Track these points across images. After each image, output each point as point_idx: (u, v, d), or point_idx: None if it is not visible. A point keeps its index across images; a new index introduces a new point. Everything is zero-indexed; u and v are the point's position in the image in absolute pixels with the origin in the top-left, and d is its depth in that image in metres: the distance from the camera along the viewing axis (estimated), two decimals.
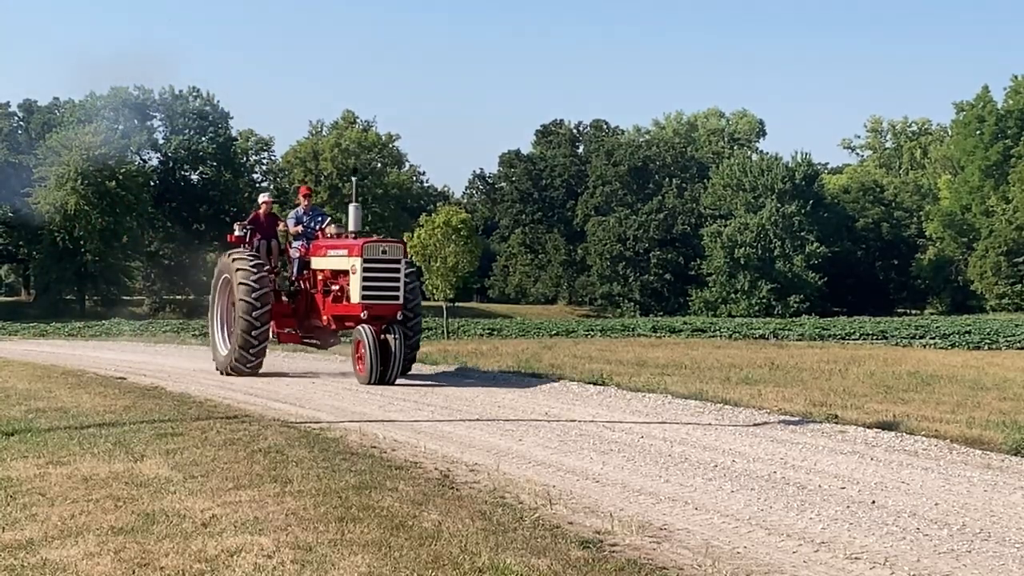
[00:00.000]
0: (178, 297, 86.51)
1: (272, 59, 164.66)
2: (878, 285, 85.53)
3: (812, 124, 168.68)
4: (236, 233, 18.55)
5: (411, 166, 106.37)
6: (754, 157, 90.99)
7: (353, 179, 20.34)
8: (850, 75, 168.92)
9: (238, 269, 17.66)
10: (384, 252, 16.84)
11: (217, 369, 18.38)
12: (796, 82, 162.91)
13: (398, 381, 16.86)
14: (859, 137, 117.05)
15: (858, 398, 15.36)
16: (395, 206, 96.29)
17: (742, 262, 77.70)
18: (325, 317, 17.76)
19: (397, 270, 16.83)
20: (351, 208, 18.10)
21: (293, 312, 18.50)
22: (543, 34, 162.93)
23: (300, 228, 18.62)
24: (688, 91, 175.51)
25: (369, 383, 16.16)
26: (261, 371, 17.97)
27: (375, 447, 10.50)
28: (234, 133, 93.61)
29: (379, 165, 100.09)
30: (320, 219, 18.88)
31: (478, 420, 12.89)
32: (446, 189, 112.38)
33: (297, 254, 18.38)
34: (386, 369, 16.33)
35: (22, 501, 7.92)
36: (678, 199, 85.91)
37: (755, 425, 12.52)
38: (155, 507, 7.61)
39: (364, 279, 16.59)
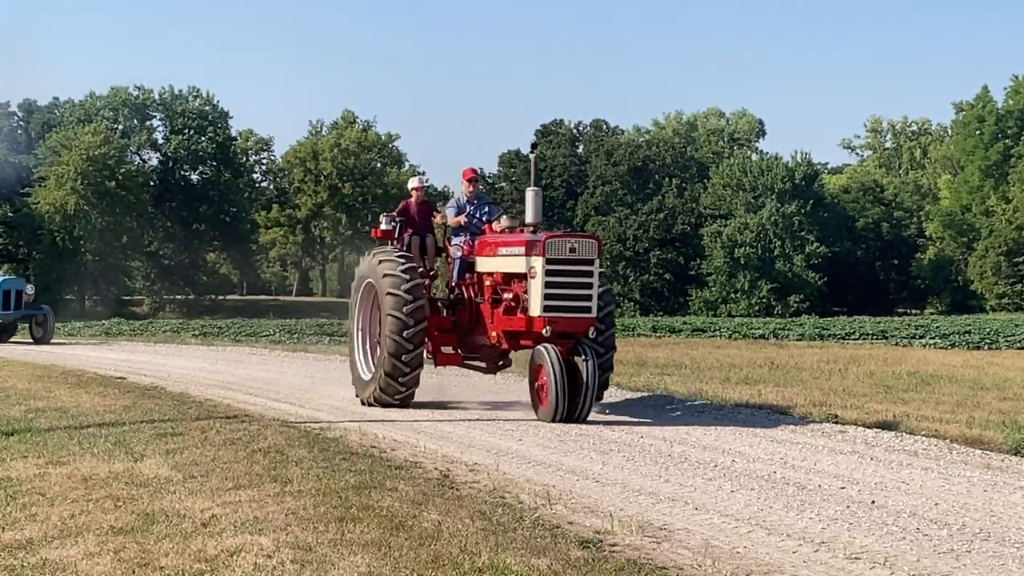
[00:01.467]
0: (178, 297, 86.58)
1: (272, 59, 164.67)
2: (878, 285, 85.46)
3: (812, 124, 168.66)
4: (382, 226, 14.81)
5: (411, 166, 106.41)
6: (754, 157, 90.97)
7: (531, 155, 16.45)
8: (850, 75, 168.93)
9: (385, 275, 13.74)
10: (573, 250, 12.96)
11: (358, 397, 14.28)
12: (796, 82, 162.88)
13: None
14: (859, 137, 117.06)
15: (858, 398, 15.36)
16: (395, 206, 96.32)
17: (742, 262, 77.66)
18: (494, 334, 13.66)
19: (589, 273, 12.92)
20: (529, 194, 14.21)
21: (453, 327, 14.53)
22: (544, 34, 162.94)
23: (463, 220, 14.85)
24: (688, 91, 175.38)
25: (554, 420, 12.27)
26: (416, 402, 14.05)
27: (375, 447, 10.50)
28: (234, 133, 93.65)
29: (379, 165, 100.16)
30: (488, 209, 15.21)
31: (478, 420, 12.90)
32: (446, 189, 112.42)
33: (459, 253, 14.51)
34: (576, 403, 12.41)
35: (22, 501, 7.92)
36: (678, 199, 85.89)
37: (755, 425, 12.52)
38: (155, 507, 7.61)
39: (547, 285, 12.75)
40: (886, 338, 37.29)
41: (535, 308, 12.82)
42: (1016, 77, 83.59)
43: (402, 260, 13.81)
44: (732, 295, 78.61)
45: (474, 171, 15.74)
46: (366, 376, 14.32)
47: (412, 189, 15.76)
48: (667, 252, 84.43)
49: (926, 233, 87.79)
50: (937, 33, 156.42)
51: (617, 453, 10.47)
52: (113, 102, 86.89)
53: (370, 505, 7.64)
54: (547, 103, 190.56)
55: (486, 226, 14.75)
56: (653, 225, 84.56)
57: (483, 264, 14.17)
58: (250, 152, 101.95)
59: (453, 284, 14.71)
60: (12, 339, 29.61)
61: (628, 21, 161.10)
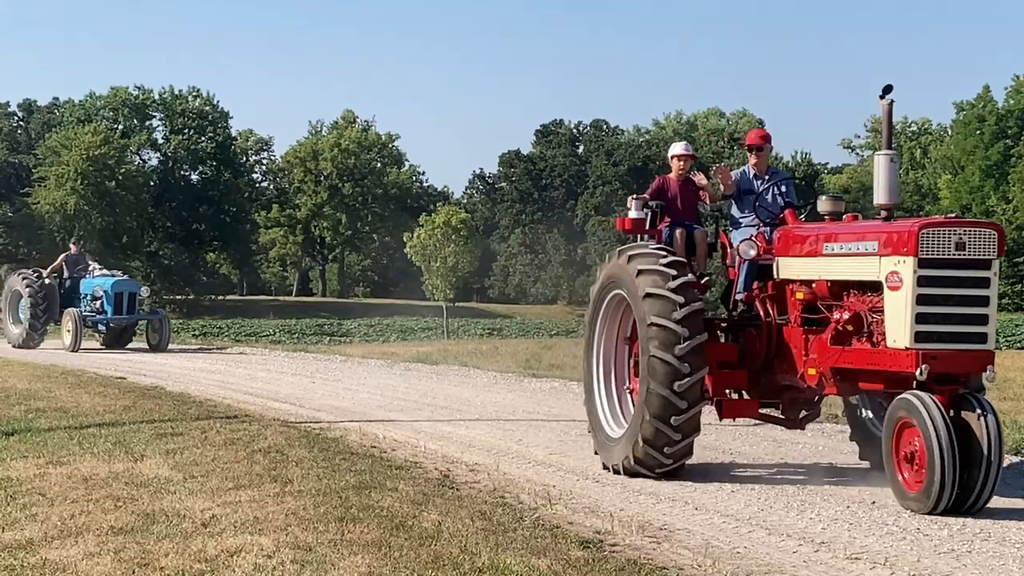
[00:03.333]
0: (178, 297, 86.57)
1: (272, 59, 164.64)
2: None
3: (812, 124, 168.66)
4: (631, 214, 10.41)
5: (411, 166, 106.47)
6: None
7: (882, 99, 9.27)
8: (850, 75, 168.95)
9: (642, 272, 9.41)
10: (961, 245, 8.52)
11: (605, 464, 9.75)
12: (796, 82, 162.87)
13: (397, 381, 16.34)
14: (859, 137, 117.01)
15: None
16: (395, 206, 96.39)
17: None
18: (812, 371, 9.19)
19: (986, 281, 8.65)
20: (881, 161, 9.53)
21: (740, 359, 9.89)
22: (544, 34, 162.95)
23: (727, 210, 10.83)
24: (688, 91, 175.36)
25: (933, 511, 7.96)
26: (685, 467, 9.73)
27: (375, 447, 10.50)
28: (234, 133, 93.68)
29: (379, 165, 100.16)
30: (785, 188, 10.65)
31: (478, 420, 12.90)
32: (446, 189, 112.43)
33: (751, 252, 9.88)
34: (970, 485, 8.05)
35: (22, 501, 7.92)
36: None
37: (755, 425, 12.52)
38: (155, 507, 7.61)
39: (921, 300, 8.43)
40: None
41: (900, 336, 8.44)
42: (1017, 77, 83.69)
43: (670, 268, 9.45)
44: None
45: (764, 134, 10.83)
46: (613, 431, 9.88)
47: (673, 158, 10.89)
48: None
49: None
50: (937, 33, 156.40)
51: None
52: (113, 102, 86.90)
53: (370, 505, 7.64)
54: (547, 103, 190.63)
55: (786, 212, 10.29)
56: None
57: (790, 267, 9.67)
58: (250, 152, 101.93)
59: (739, 297, 9.99)
60: (128, 346, 26.80)
61: (628, 21, 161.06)
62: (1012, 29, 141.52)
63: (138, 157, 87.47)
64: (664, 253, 9.61)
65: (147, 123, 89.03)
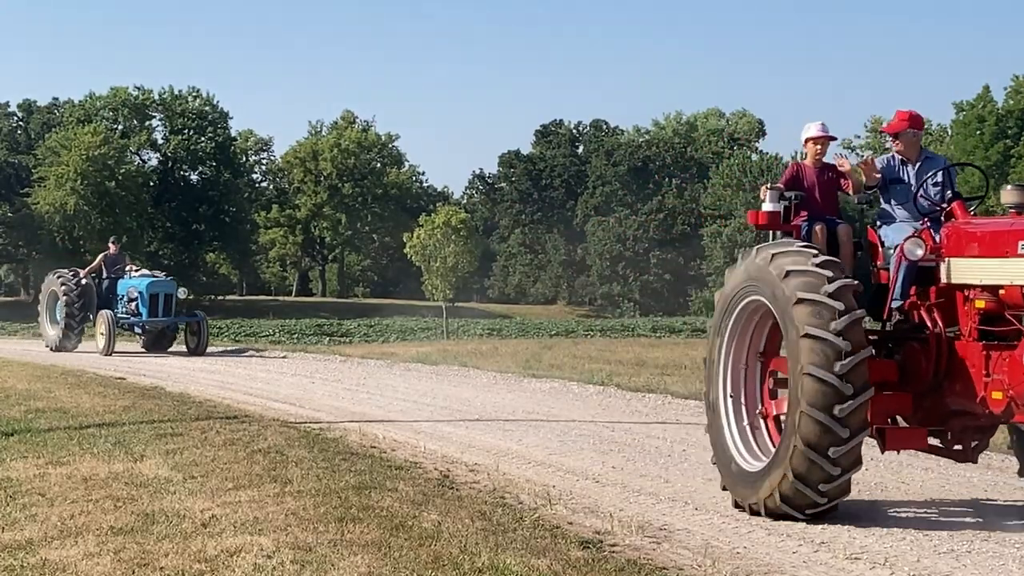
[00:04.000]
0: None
1: (272, 59, 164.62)
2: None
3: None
4: (766, 207, 8.82)
5: (411, 166, 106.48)
6: (754, 157, 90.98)
7: None
8: (850, 75, 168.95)
9: (800, 300, 7.67)
10: None
11: (738, 503, 8.15)
12: (796, 82, 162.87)
13: (396, 381, 16.28)
14: (859, 137, 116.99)
15: None
16: (395, 206, 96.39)
17: None
18: (999, 395, 7.58)
19: None
20: None
21: (901, 377, 8.19)
22: (543, 34, 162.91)
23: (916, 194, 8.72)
24: (688, 91, 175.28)
25: None
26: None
27: (375, 447, 10.50)
28: (234, 133, 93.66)
29: (379, 165, 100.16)
30: (943, 177, 8.85)
31: (478, 420, 12.90)
32: (446, 189, 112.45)
33: (918, 251, 8.17)
34: None
35: (22, 501, 7.92)
36: (678, 199, 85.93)
37: None
38: (155, 507, 7.61)
39: None
40: None
41: None
42: (1017, 77, 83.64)
43: (815, 251, 8.01)
44: None
45: (909, 115, 9.04)
46: (749, 464, 8.23)
47: (808, 142, 9.28)
48: (667, 252, 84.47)
49: None
50: (937, 33, 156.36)
51: (617, 453, 10.47)
52: (113, 102, 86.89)
53: (370, 505, 7.64)
54: (547, 103, 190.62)
55: (955, 204, 8.51)
56: (653, 225, 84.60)
57: (965, 270, 7.98)
58: (250, 152, 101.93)
59: (895, 304, 8.24)
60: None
61: (628, 21, 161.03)
62: (1012, 29, 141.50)
63: (138, 157, 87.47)
64: (815, 251, 8.00)
65: (147, 123, 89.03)
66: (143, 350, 25.13)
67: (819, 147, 9.24)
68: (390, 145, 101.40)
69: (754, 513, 7.88)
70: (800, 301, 7.61)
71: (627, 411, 13.93)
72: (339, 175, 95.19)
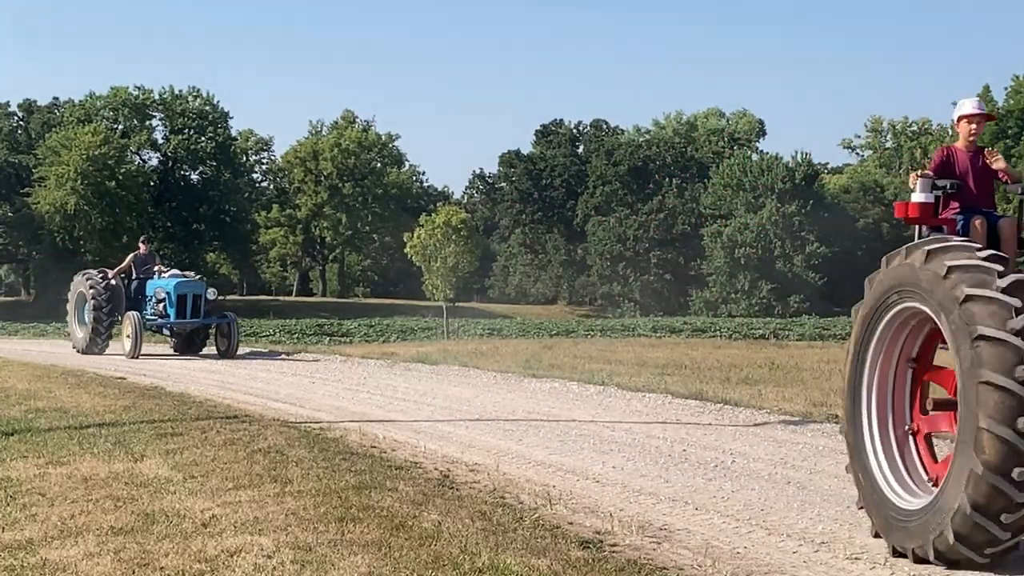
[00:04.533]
0: None
1: (272, 59, 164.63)
2: None
3: (812, 124, 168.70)
4: (916, 197, 7.81)
5: (411, 166, 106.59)
6: (754, 157, 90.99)
7: None
8: (850, 75, 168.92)
9: (968, 298, 6.56)
10: None
11: (897, 550, 6.87)
12: (796, 82, 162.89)
13: (397, 381, 16.23)
14: (859, 137, 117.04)
15: None
16: (395, 206, 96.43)
17: (742, 262, 77.68)
18: None
19: None
20: None
21: None
22: (543, 34, 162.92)
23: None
24: (688, 91, 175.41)
25: None
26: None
27: (375, 447, 10.50)
28: (234, 133, 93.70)
29: (379, 165, 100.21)
30: None
31: (478, 420, 12.89)
32: (446, 189, 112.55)
33: None
34: None
35: (22, 501, 7.92)
36: (678, 199, 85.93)
37: (755, 425, 12.53)
38: (155, 507, 7.61)
39: None
40: None
41: None
42: (1017, 77, 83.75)
43: (977, 247, 6.92)
44: (732, 295, 78.63)
45: None
46: (905, 500, 7.10)
47: (961, 120, 8.15)
48: (667, 252, 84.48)
49: None
50: (937, 33, 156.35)
51: (617, 453, 10.46)
52: (113, 102, 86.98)
53: (370, 505, 7.64)
54: (547, 103, 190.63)
55: None
56: (653, 225, 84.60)
57: None
58: (250, 152, 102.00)
59: None
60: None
61: (628, 21, 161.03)
62: (1012, 29, 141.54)
63: (138, 157, 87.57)
64: (976, 245, 6.96)
65: (147, 123, 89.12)
66: (174, 352, 24.46)
67: (973, 126, 8.02)
68: (390, 145, 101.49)
69: (920, 560, 6.61)
70: (969, 299, 6.50)
71: (627, 411, 13.93)
72: (339, 175, 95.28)
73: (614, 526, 7.33)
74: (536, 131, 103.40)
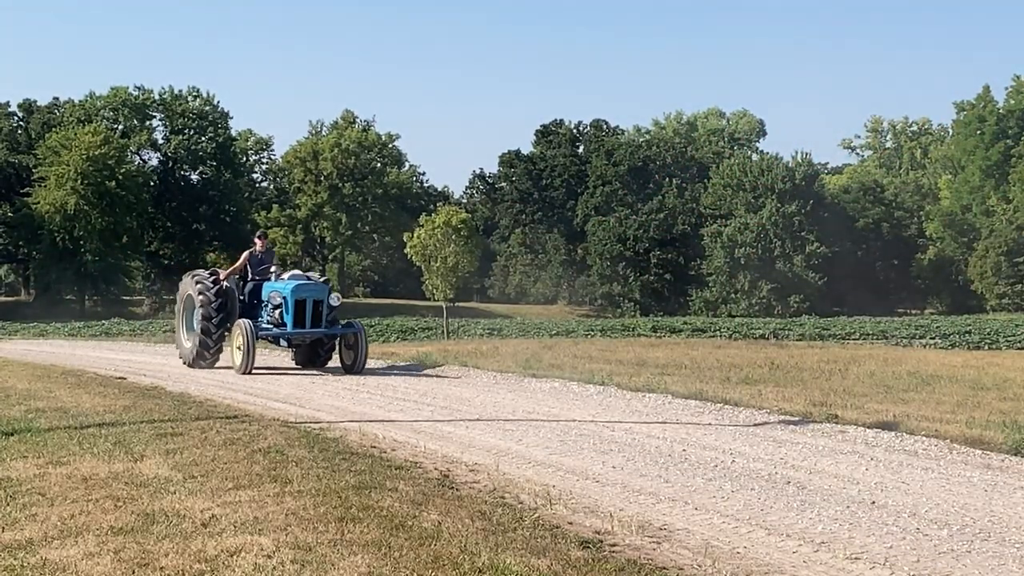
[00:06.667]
0: None
1: (272, 59, 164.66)
2: (878, 285, 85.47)
3: (812, 124, 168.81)
4: None
5: (411, 166, 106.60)
6: (754, 157, 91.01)
7: None
8: (850, 75, 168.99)
9: None
10: None
11: None
12: (796, 82, 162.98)
13: (397, 381, 16.30)
14: (859, 137, 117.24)
15: (858, 398, 15.34)
16: (395, 206, 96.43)
17: (742, 262, 77.67)
18: None
19: None
20: None
21: None
22: (544, 34, 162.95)
23: None
24: (688, 91, 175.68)
25: None
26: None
27: (375, 447, 10.50)
28: (234, 133, 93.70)
29: (379, 165, 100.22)
30: None
31: (478, 420, 12.89)
32: (446, 189, 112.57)
33: None
34: None
35: (22, 501, 7.92)
36: (678, 199, 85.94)
37: (755, 425, 12.52)
38: (155, 507, 7.61)
39: None
40: (886, 338, 37.26)
41: None
42: (1018, 77, 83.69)
43: None
44: (732, 295, 78.64)
45: None
46: None
47: None
48: (667, 252, 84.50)
49: (926, 233, 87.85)
50: (937, 33, 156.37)
51: (617, 453, 10.46)
52: (113, 102, 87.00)
53: (370, 505, 7.64)
54: (547, 103, 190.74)
55: None
56: (653, 225, 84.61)
57: None
58: (250, 152, 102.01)
59: None
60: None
61: (628, 21, 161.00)
62: (1012, 29, 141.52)
63: (138, 157, 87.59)
64: None
65: (147, 123, 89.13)
66: (296, 366, 20.93)
67: None
68: (390, 145, 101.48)
69: None
70: None
71: (627, 411, 13.92)
72: (339, 175, 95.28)
73: (614, 526, 7.33)
74: (536, 131, 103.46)
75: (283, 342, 20.50)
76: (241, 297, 20.64)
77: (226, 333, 20.39)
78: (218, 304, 20.38)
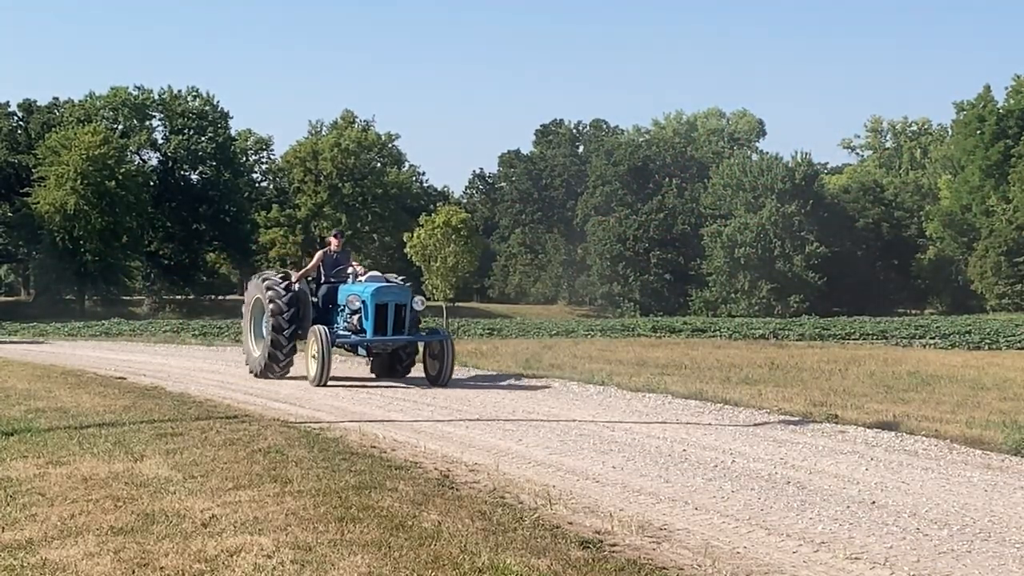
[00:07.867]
0: (178, 297, 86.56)
1: (272, 58, 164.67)
2: (878, 285, 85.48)
3: (812, 124, 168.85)
4: None
5: (411, 166, 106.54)
6: (754, 157, 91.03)
7: None
8: (850, 75, 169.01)
9: None
10: None
11: None
12: (796, 82, 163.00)
13: (396, 381, 16.21)
14: (859, 137, 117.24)
15: (858, 398, 15.34)
16: (395, 206, 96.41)
17: (742, 262, 77.69)
18: None
19: None
20: None
21: None
22: (543, 34, 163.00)
23: None
24: (688, 91, 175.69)
25: None
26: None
27: (375, 447, 10.49)
28: (234, 133, 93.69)
29: (379, 165, 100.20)
30: None
31: (478, 420, 12.89)
32: (446, 189, 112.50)
33: None
34: None
35: (22, 501, 7.91)
36: (678, 199, 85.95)
37: (755, 425, 12.52)
38: (155, 507, 7.61)
39: None
40: (886, 338, 37.24)
41: None
42: (1018, 77, 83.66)
43: None
44: (732, 295, 78.67)
45: None
46: None
47: None
48: (667, 252, 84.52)
49: (926, 233, 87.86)
50: (937, 33, 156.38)
51: (617, 453, 10.46)
52: (113, 102, 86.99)
53: (370, 505, 7.64)
54: (547, 103, 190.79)
55: None
56: (653, 225, 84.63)
57: None
58: (250, 152, 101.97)
59: None
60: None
61: (628, 21, 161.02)
62: (1012, 29, 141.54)
63: (138, 157, 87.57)
64: None
65: (147, 123, 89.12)
66: (372, 376, 18.91)
67: None
68: (390, 145, 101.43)
69: None
70: None
71: (627, 411, 13.92)
72: (339, 175, 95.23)
73: (614, 526, 7.33)
74: (536, 131, 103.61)
75: (361, 350, 18.41)
76: (314, 300, 18.69)
77: (298, 341, 18.59)
78: (288, 310, 18.42)
